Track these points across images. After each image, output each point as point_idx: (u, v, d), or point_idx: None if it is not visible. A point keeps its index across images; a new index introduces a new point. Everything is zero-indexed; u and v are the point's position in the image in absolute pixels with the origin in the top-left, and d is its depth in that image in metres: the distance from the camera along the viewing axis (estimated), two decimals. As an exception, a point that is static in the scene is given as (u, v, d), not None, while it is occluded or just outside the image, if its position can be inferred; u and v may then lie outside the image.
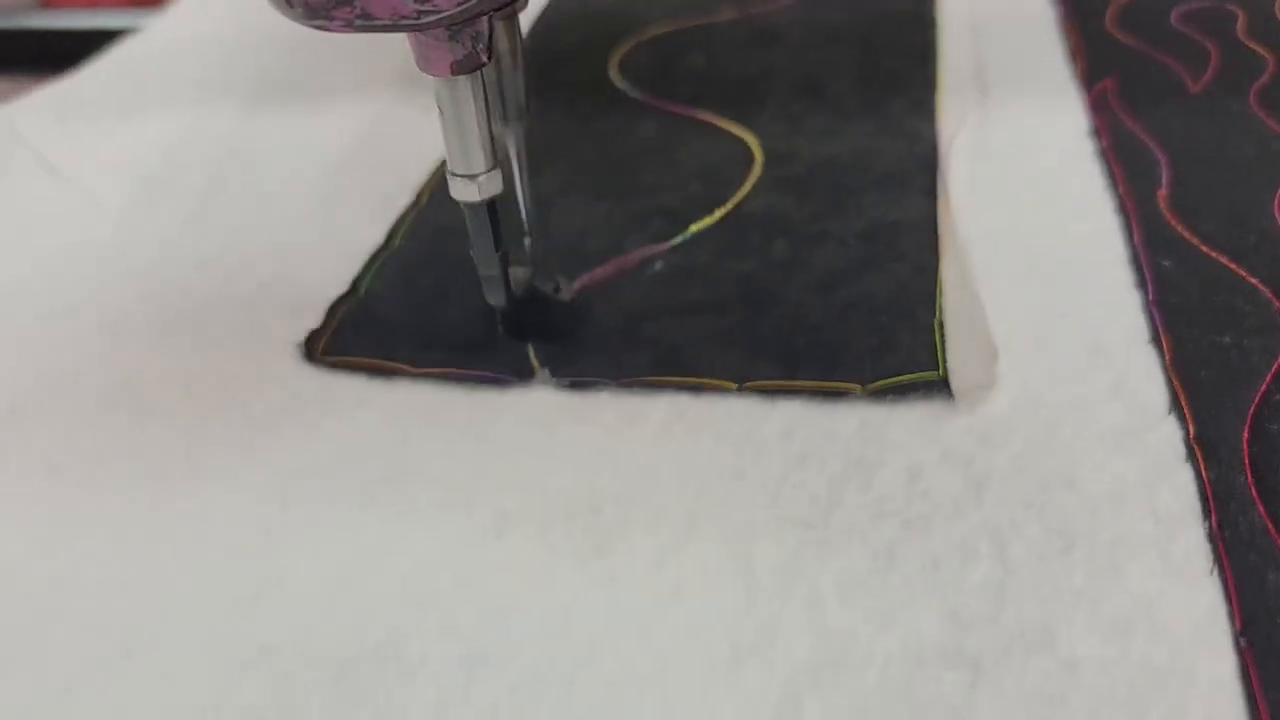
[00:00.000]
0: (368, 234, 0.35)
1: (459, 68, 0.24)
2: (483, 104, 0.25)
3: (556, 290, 0.30)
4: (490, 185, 0.26)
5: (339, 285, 0.32)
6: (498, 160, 0.26)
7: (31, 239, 0.36)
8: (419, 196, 0.37)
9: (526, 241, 0.31)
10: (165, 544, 0.25)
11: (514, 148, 0.30)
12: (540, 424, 0.27)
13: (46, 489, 0.26)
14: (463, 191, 0.26)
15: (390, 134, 0.40)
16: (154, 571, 0.24)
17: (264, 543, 0.25)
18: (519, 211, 0.30)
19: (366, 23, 0.22)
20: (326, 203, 0.37)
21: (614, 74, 0.43)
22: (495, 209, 0.27)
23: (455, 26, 0.23)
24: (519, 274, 0.30)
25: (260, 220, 0.36)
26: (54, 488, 0.26)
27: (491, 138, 0.26)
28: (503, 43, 0.28)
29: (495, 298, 0.29)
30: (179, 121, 0.42)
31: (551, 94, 0.42)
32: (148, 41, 0.49)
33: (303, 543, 0.25)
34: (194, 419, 0.28)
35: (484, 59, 0.24)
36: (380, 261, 0.34)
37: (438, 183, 0.37)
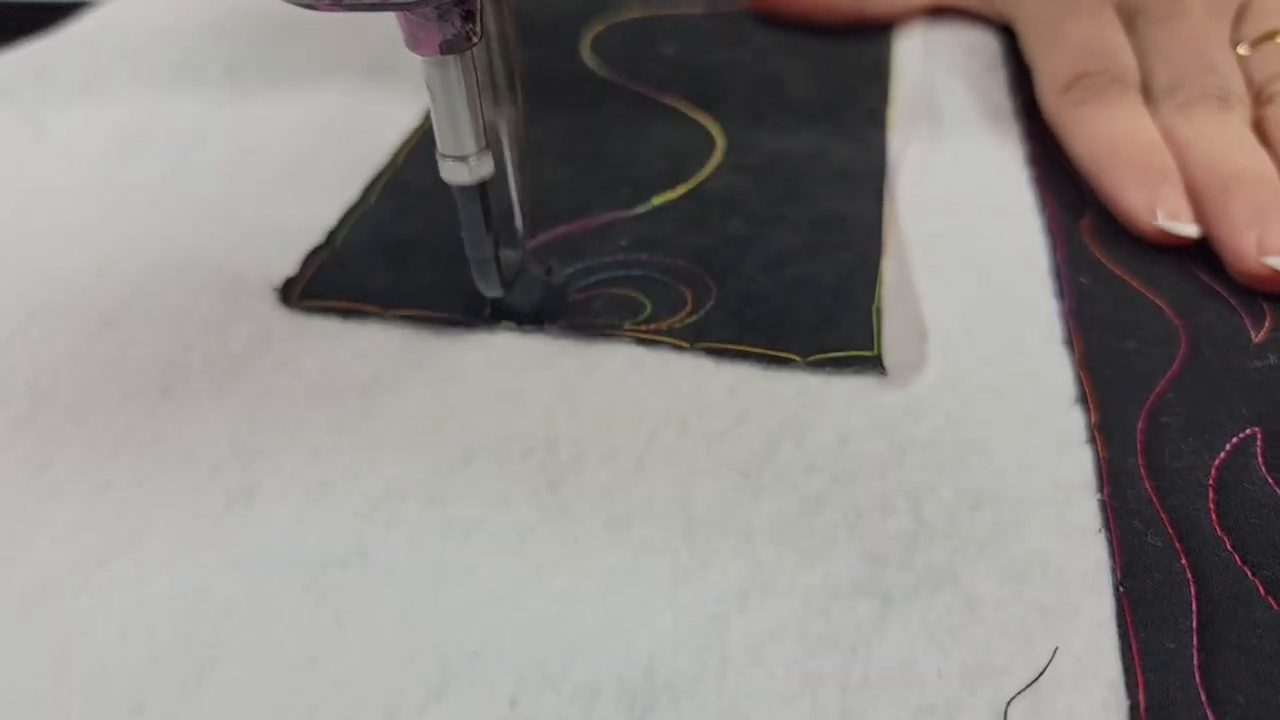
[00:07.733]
0: (346, 194, 0.36)
1: (448, 47, 0.23)
2: (473, 85, 0.25)
3: (549, 273, 0.30)
4: (481, 167, 0.26)
5: (317, 238, 0.34)
6: (488, 142, 0.26)
7: (17, 185, 0.37)
8: (394, 158, 0.38)
9: (518, 224, 0.31)
10: (144, 461, 0.26)
11: (505, 130, 0.29)
12: (504, 366, 0.29)
13: (30, 414, 0.27)
14: (453, 173, 0.26)
15: (366, 110, 0.42)
16: (130, 488, 0.25)
17: (234, 461, 0.26)
18: (510, 194, 0.30)
19: (355, 1, 0.22)
20: (305, 166, 0.38)
21: (585, 53, 0.45)
22: (486, 192, 0.26)
23: (444, 6, 0.23)
24: (511, 257, 0.29)
25: (239, 181, 0.37)
26: (38, 413, 0.27)
27: (482, 119, 0.25)
28: (492, 24, 0.28)
29: (486, 281, 0.28)
30: (157, 89, 0.43)
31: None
32: (122, 13, 0.49)
33: (275, 462, 0.26)
34: (173, 354, 0.29)
35: (474, 39, 0.24)
36: (356, 216, 0.35)
37: (413, 147, 0.39)
